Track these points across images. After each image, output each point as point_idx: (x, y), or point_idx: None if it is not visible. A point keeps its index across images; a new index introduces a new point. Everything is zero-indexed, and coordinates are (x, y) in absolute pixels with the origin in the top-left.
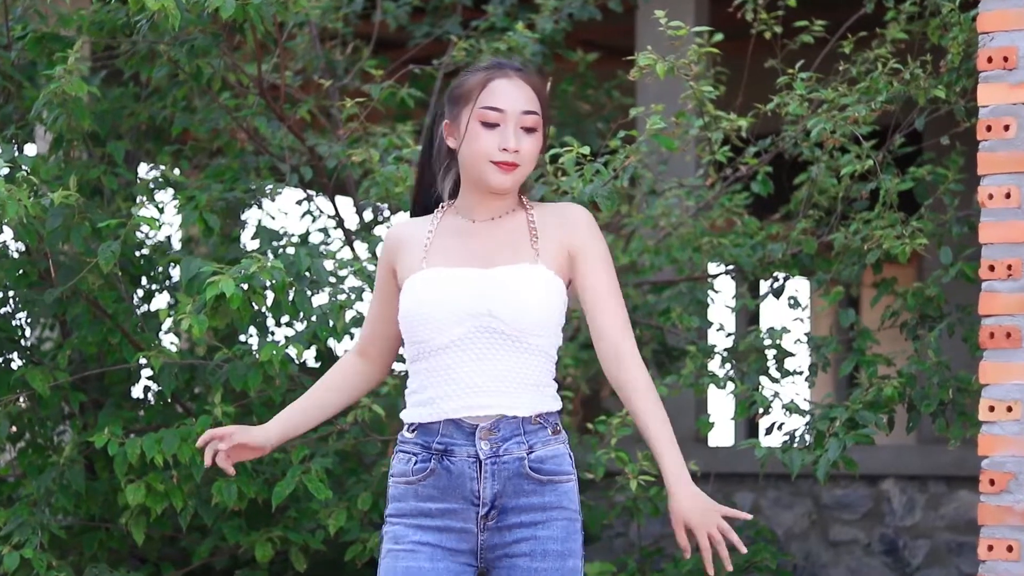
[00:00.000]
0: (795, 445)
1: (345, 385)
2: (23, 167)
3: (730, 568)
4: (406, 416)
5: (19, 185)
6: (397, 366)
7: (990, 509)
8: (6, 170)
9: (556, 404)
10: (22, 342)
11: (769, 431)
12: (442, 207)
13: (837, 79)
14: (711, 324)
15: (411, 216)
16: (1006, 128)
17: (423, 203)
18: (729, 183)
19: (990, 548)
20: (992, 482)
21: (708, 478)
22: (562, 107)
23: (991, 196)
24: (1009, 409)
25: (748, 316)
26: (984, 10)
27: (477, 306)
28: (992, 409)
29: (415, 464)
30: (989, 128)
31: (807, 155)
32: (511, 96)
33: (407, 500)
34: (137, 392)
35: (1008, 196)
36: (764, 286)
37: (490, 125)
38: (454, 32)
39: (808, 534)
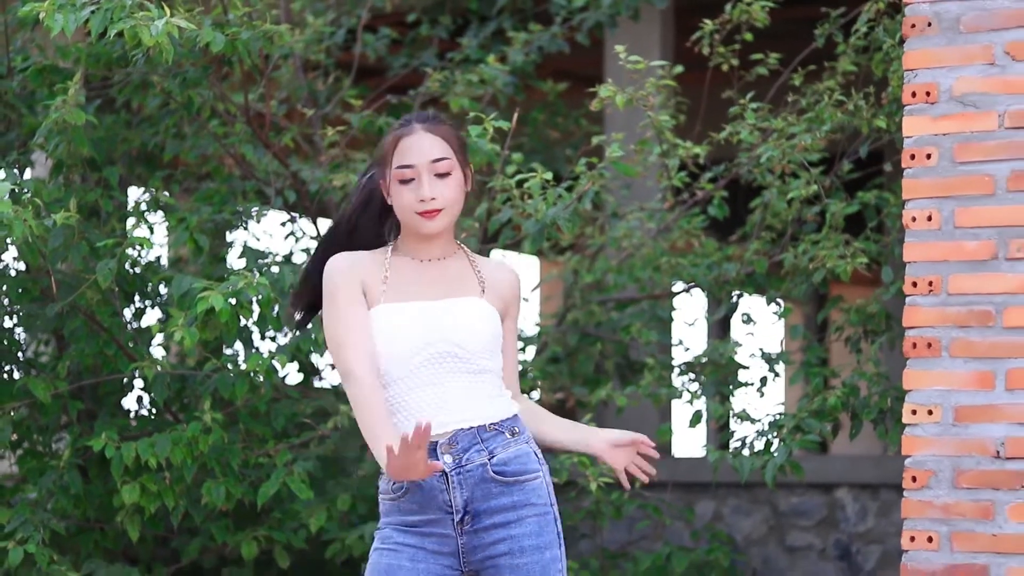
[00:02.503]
0: (745, 451)
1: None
2: (26, 190)
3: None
4: None
5: (25, 207)
6: None
7: (912, 503)
8: (9, 193)
9: (511, 410)
10: (19, 355)
11: (726, 440)
12: (387, 247)
13: (787, 110)
14: (671, 339)
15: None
16: (928, 157)
17: (343, 247)
18: (688, 207)
19: (912, 539)
20: (914, 479)
21: (667, 487)
22: (532, 134)
23: (914, 219)
24: (930, 412)
25: (719, 331)
26: (909, 49)
27: (432, 333)
28: (915, 412)
29: (393, 484)
30: (913, 156)
31: (760, 180)
32: (418, 150)
33: (393, 515)
34: (130, 402)
35: (929, 219)
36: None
37: (406, 181)
38: (430, 64)
39: (766, 540)
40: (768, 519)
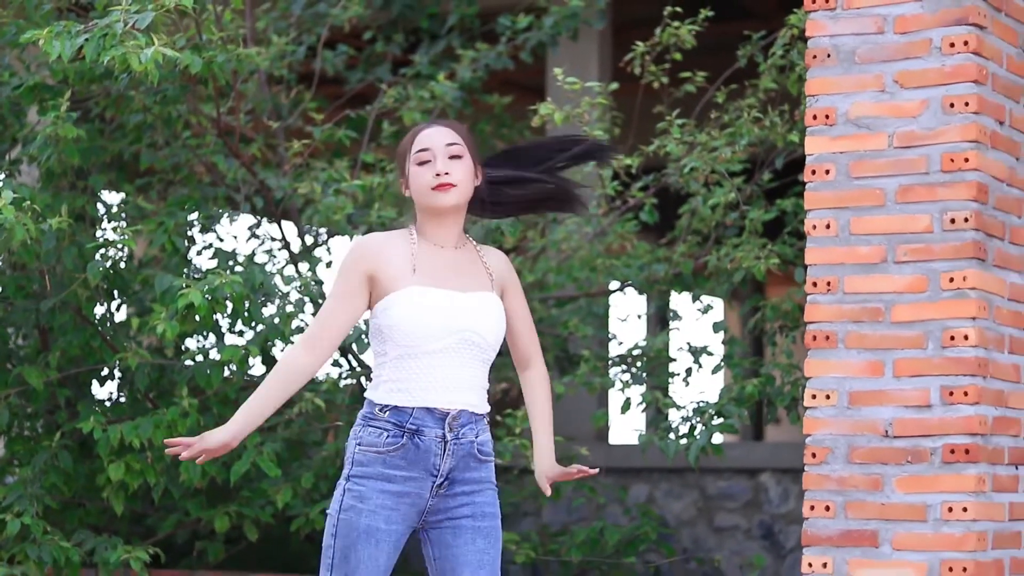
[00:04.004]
0: (670, 435)
1: (293, 381)
2: (24, 197)
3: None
4: (379, 398)
5: (25, 212)
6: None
7: (812, 477)
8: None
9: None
10: (7, 346)
11: (655, 424)
12: (411, 230)
13: (710, 125)
14: (607, 333)
15: None
16: (827, 172)
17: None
18: (621, 213)
19: (812, 508)
20: (814, 455)
21: (602, 471)
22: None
23: (815, 227)
24: (828, 397)
25: (658, 326)
26: (811, 77)
27: (462, 323)
28: (814, 397)
29: (387, 438)
30: (814, 172)
31: (687, 189)
32: (434, 137)
33: (374, 466)
34: (104, 390)
35: (828, 227)
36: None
37: (424, 163)
38: (384, 78)
39: (696, 521)
40: (697, 502)
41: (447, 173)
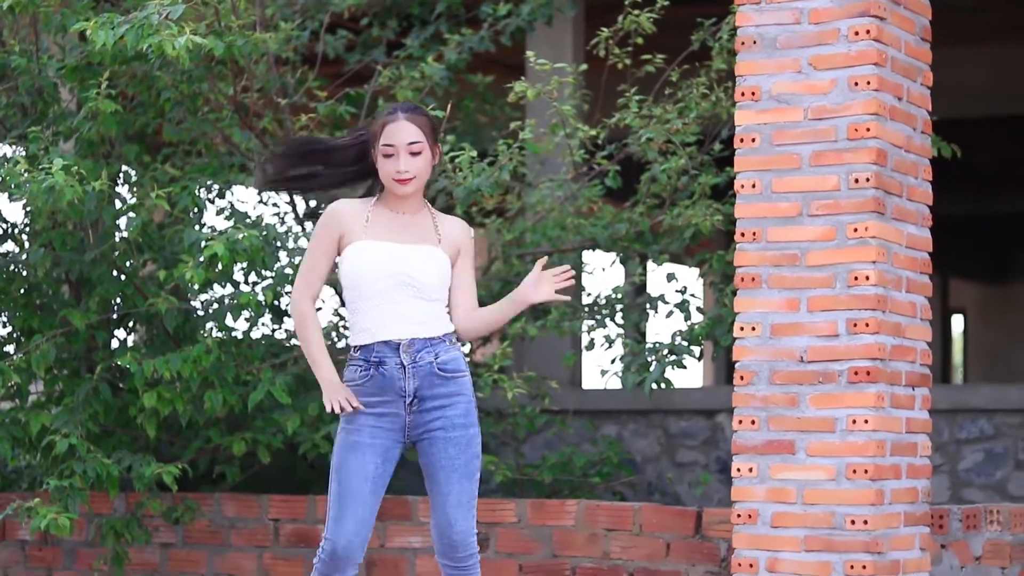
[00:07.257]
0: (630, 370)
1: (317, 323)
2: (71, 163)
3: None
4: (352, 341)
5: (73, 176)
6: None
7: (740, 396)
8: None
9: (450, 327)
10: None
11: (613, 361)
12: (373, 199)
13: (665, 100)
14: (578, 285)
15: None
16: (753, 140)
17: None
18: (589, 179)
19: (740, 422)
20: (742, 378)
21: (575, 413)
22: (465, 119)
23: (743, 186)
24: (753, 329)
25: (625, 278)
26: (740, 60)
27: (398, 268)
28: (742, 329)
29: (359, 372)
30: (742, 140)
31: (646, 157)
32: (399, 134)
33: (357, 396)
34: (130, 332)
35: (754, 186)
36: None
37: (388, 156)
38: (379, 60)
39: (660, 458)
40: (660, 439)
41: (407, 171)
